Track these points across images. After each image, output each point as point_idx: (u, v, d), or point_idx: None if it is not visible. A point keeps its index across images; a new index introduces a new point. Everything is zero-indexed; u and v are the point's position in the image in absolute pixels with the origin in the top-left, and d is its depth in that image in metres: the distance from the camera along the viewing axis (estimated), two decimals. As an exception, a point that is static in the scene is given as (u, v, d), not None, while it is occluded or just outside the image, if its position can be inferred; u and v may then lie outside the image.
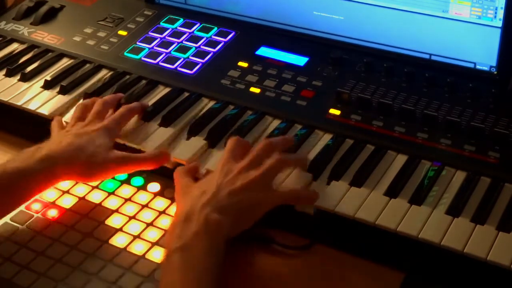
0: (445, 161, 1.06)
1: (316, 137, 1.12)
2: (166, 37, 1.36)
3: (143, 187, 1.08)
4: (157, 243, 0.99)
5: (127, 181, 1.09)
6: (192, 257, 0.88)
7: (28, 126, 1.23)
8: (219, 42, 1.34)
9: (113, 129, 1.10)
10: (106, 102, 1.15)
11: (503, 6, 1.15)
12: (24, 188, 1.00)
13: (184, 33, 1.36)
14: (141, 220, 1.03)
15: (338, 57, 1.25)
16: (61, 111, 1.20)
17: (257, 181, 0.97)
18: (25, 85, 1.27)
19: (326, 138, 1.12)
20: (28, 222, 1.03)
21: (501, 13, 1.16)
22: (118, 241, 1.00)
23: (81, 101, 1.21)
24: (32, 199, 1.05)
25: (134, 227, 1.02)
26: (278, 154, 1.01)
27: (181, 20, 1.40)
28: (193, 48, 1.32)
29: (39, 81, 1.28)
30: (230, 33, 1.36)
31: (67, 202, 1.06)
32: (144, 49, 1.33)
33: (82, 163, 1.02)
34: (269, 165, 0.98)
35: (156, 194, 1.07)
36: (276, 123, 1.16)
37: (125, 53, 1.33)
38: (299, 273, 0.96)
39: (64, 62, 1.33)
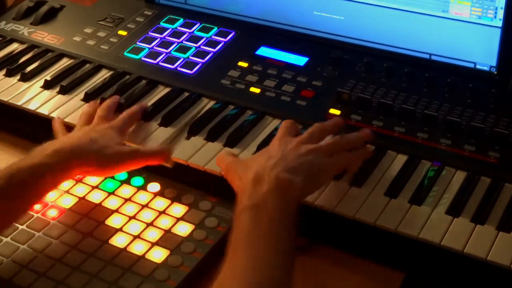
0: (445, 161, 1.06)
1: (316, 137, 1.12)
2: (166, 37, 1.36)
3: (143, 187, 1.08)
4: (157, 243, 0.99)
5: (127, 181, 1.09)
6: (262, 215, 0.87)
7: (28, 126, 1.23)
8: (219, 42, 1.34)
9: (120, 128, 1.11)
10: (108, 107, 1.16)
11: (503, 6, 1.15)
12: (40, 184, 0.99)
13: (184, 33, 1.36)
14: (141, 220, 1.03)
15: (338, 57, 1.25)
16: (61, 111, 1.20)
17: (320, 148, 0.98)
18: (25, 85, 1.27)
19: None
20: (28, 222, 1.03)
21: (501, 13, 1.16)
22: (118, 241, 1.00)
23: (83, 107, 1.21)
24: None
25: (134, 227, 1.02)
26: (337, 139, 1.02)
27: (181, 20, 1.40)
28: (193, 48, 1.32)
29: (39, 81, 1.28)
30: (230, 33, 1.36)
31: (67, 202, 1.06)
32: (144, 49, 1.33)
33: (95, 155, 1.03)
34: (328, 140, 1.01)
35: (156, 194, 1.07)
36: (276, 123, 1.16)
37: (125, 53, 1.33)
38: (299, 273, 0.96)
39: (64, 62, 1.33)
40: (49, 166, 0.99)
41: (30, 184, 0.97)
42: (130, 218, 1.03)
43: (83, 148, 1.03)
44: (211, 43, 1.33)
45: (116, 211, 1.04)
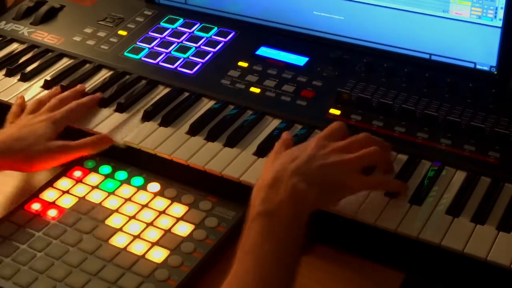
0: (445, 161, 1.06)
1: (316, 137, 1.12)
2: (166, 37, 1.36)
3: (143, 187, 1.08)
4: (157, 243, 0.99)
5: (127, 181, 1.09)
6: (275, 225, 0.87)
7: (28, 126, 1.23)
8: (219, 42, 1.34)
9: (59, 120, 1.13)
10: (63, 98, 1.18)
11: (503, 6, 1.15)
12: None
13: (184, 33, 1.36)
14: (141, 220, 1.03)
15: (338, 57, 1.25)
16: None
17: (349, 163, 0.97)
18: (25, 85, 1.27)
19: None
20: (28, 222, 1.03)
21: (501, 13, 1.16)
22: (118, 241, 1.00)
23: (41, 94, 1.23)
24: (32, 198, 1.06)
25: (134, 227, 1.02)
26: (376, 147, 1.00)
27: (181, 20, 1.40)
28: (193, 48, 1.32)
29: (39, 81, 1.28)
30: (230, 33, 1.36)
31: (67, 202, 1.06)
32: (144, 49, 1.33)
33: (19, 153, 1.07)
34: (365, 152, 0.98)
35: (156, 194, 1.07)
36: (276, 123, 1.16)
37: (125, 53, 1.33)
38: (299, 273, 0.96)
39: (64, 62, 1.33)
40: None
41: None
42: (130, 218, 1.03)
43: (10, 146, 1.07)
44: (211, 43, 1.33)
45: (116, 211, 1.04)
